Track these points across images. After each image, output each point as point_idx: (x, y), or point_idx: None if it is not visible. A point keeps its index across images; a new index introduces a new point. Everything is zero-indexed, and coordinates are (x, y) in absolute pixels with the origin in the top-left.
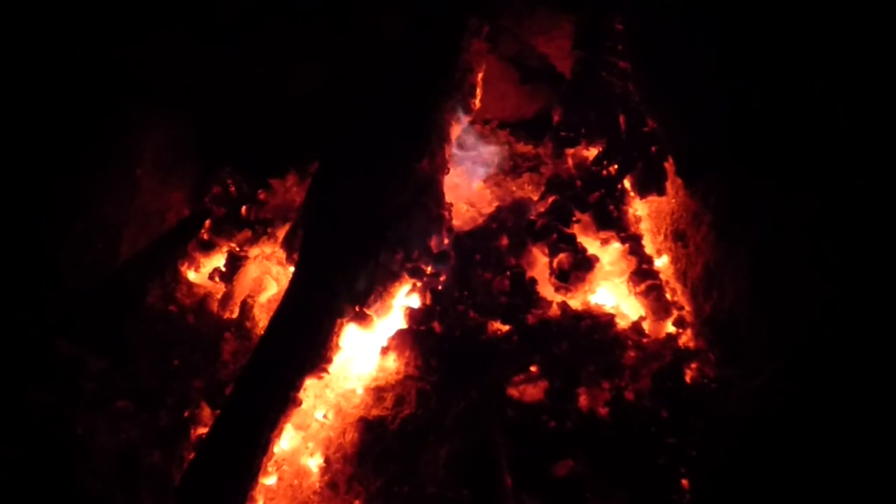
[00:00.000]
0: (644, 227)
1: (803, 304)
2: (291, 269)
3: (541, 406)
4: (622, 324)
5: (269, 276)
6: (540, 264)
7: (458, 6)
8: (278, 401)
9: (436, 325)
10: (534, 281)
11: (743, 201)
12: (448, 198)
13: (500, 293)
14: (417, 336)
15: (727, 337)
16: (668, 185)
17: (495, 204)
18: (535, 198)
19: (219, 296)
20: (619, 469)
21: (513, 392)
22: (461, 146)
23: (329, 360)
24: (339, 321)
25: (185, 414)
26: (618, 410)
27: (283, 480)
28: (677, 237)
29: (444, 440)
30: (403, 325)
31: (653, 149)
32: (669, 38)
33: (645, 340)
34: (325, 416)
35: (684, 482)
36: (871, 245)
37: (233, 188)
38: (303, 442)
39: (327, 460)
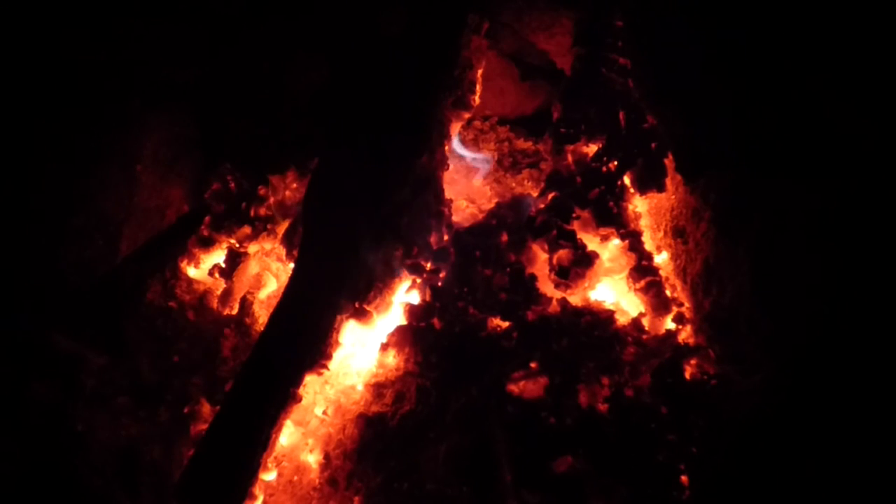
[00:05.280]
0: (644, 224)
1: (803, 301)
2: (291, 265)
3: (540, 402)
4: (622, 320)
5: (268, 273)
6: (540, 261)
7: (458, 3)
8: (278, 397)
9: (435, 322)
10: (533, 277)
11: (743, 198)
12: (448, 194)
13: (500, 290)
14: (417, 332)
15: (727, 333)
16: (668, 181)
17: (495, 200)
18: (535, 194)
19: (219, 292)
20: (619, 466)
21: (512, 388)
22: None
23: (329, 357)
24: (338, 317)
25: (185, 410)
26: (617, 407)
27: (282, 476)
28: (677, 233)
29: (443, 437)
30: (403, 321)
31: (653, 145)
32: (669, 35)
33: (645, 337)
34: (324, 413)
35: (684, 479)
36: (870, 242)
37: (233, 184)
38: (302, 438)
39: (327, 457)
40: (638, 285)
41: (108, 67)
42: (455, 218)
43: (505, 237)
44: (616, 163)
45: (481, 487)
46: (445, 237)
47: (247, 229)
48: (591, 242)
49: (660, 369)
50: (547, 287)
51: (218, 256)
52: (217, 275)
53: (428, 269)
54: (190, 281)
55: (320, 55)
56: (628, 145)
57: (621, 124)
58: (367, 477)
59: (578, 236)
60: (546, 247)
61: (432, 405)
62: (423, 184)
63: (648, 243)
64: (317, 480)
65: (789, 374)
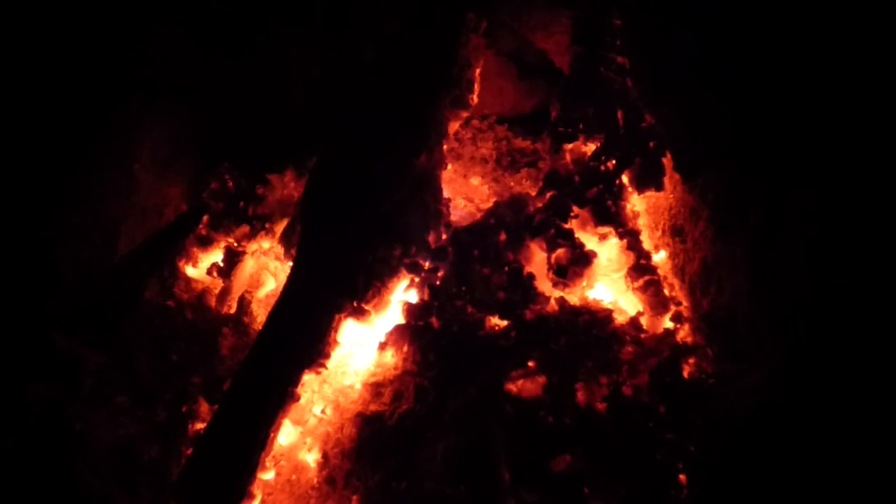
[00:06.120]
0: (642, 223)
1: (801, 300)
2: (289, 264)
3: (538, 401)
4: (620, 319)
5: (267, 272)
6: (538, 260)
7: (456, 2)
8: (276, 396)
9: (434, 321)
10: (532, 276)
11: (741, 197)
12: (446, 193)
13: (498, 288)
14: (415, 331)
15: (725, 332)
16: (666, 180)
17: (493, 199)
18: (533, 193)
19: (217, 291)
20: (617, 464)
21: (511, 387)
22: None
23: (327, 356)
24: (336, 316)
25: (183, 409)
26: (616, 406)
27: (281, 476)
28: (675, 232)
29: (441, 436)
30: (401, 320)
31: (651, 144)
32: (667, 34)
33: (643, 336)
34: (323, 412)
35: (682, 477)
36: (868, 240)
37: (231, 184)
38: (301, 437)
39: (325, 456)
40: (636, 284)
41: (107, 67)
42: (453, 217)
43: (503, 236)
44: (614, 162)
45: (479, 486)
46: (444, 236)
47: (245, 228)
48: (589, 241)
49: (658, 368)
50: (545, 286)
51: (216, 255)
52: (215, 274)
53: (426, 267)
54: (188, 280)
55: (318, 54)
56: (626, 144)
57: (619, 123)
58: (365, 476)
59: (577, 235)
60: (544, 246)
61: (430, 404)
62: (421, 183)
63: (647, 242)
64: (315, 479)
65: (787, 372)
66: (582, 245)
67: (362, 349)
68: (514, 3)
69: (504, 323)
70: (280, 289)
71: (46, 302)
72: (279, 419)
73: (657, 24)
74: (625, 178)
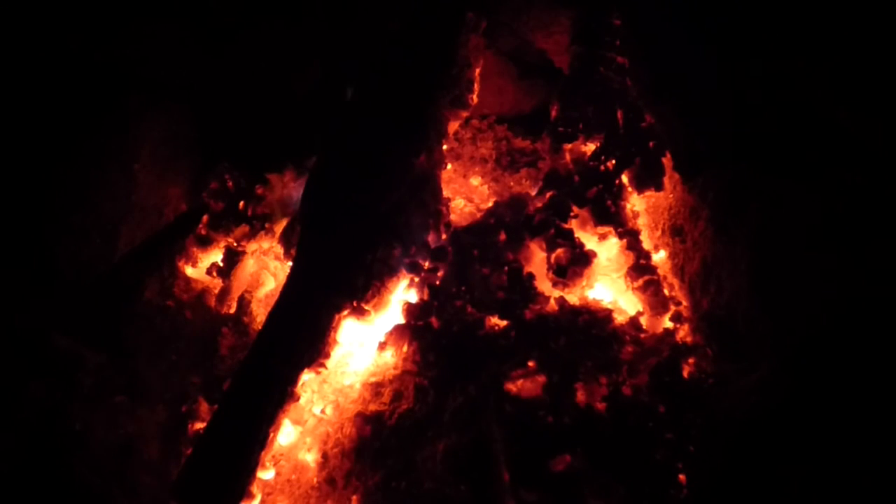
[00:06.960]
0: (642, 223)
1: (801, 299)
2: (289, 264)
3: (538, 401)
4: (620, 319)
5: (266, 272)
6: (537, 259)
7: (456, 2)
8: (276, 396)
9: (433, 321)
10: (531, 276)
11: (740, 196)
12: (446, 193)
13: (498, 288)
14: (415, 331)
15: (725, 332)
16: (666, 180)
17: (493, 199)
18: (533, 193)
19: (216, 291)
20: (617, 464)
21: (510, 387)
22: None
23: (327, 355)
24: (336, 316)
25: (183, 409)
26: (615, 406)
27: (280, 475)
28: (675, 232)
29: (441, 435)
30: (401, 320)
31: (650, 144)
32: (667, 34)
33: (642, 335)
34: (322, 412)
35: (682, 477)
36: (868, 240)
37: (230, 183)
38: (300, 437)
39: (325, 455)
40: (636, 284)
41: (107, 67)
42: (453, 216)
43: (503, 236)
44: (614, 161)
45: (479, 486)
46: (443, 236)
47: (245, 228)
48: (589, 241)
49: (658, 368)
50: (545, 286)
51: (216, 255)
52: (215, 274)
53: (426, 267)
54: (188, 280)
55: (318, 54)
56: (626, 144)
57: (619, 123)
58: (365, 476)
59: (576, 235)
60: (544, 245)
61: (430, 404)
62: (420, 182)
63: (646, 242)
64: (315, 479)
65: (787, 372)
66: (582, 245)
67: (362, 349)
68: (514, 3)
69: (504, 323)
70: (280, 288)
71: (46, 301)
72: (279, 419)
73: (657, 23)
74: (624, 178)
